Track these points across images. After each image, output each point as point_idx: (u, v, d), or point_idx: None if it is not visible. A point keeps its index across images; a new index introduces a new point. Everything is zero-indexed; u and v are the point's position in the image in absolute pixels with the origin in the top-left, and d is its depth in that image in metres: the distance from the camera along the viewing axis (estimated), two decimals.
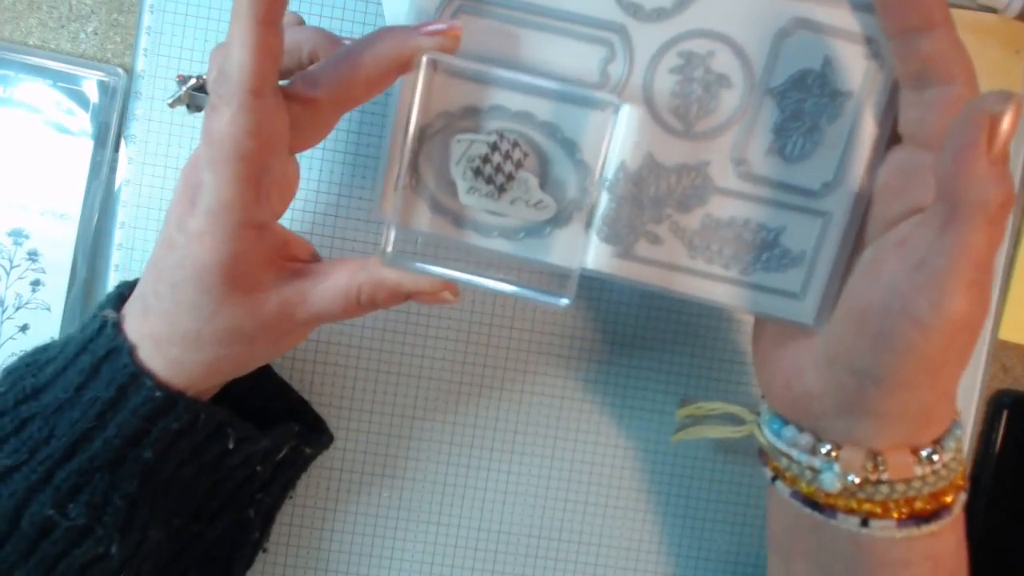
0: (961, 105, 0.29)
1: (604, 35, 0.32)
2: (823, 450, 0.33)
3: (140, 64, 0.43)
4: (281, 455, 0.39)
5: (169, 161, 0.43)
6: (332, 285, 0.33)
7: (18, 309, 0.43)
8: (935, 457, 0.32)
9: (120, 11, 0.43)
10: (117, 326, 0.33)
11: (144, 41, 0.43)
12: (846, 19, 0.31)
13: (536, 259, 0.34)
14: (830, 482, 0.33)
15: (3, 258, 0.42)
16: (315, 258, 0.36)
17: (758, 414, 0.38)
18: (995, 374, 0.48)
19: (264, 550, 0.41)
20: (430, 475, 0.46)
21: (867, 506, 0.32)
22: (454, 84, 0.32)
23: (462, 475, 0.46)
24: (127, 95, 0.43)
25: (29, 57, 0.42)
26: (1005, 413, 0.47)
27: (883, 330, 0.30)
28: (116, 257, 0.43)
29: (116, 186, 0.43)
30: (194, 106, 0.38)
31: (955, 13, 0.45)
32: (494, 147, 0.32)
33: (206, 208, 0.31)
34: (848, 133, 0.32)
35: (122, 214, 0.43)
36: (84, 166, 0.42)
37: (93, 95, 0.42)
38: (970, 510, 0.47)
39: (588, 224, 0.33)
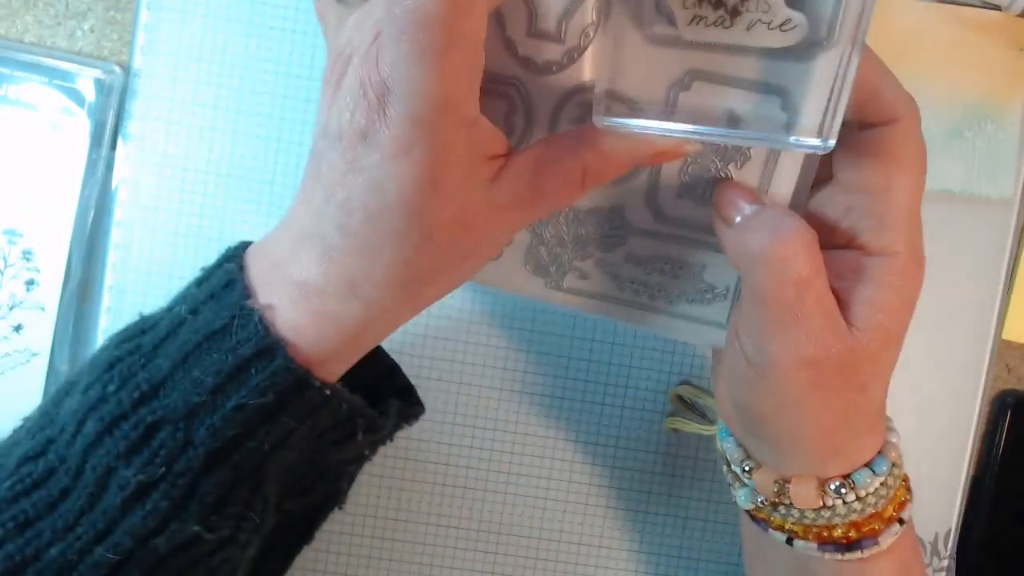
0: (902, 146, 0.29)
1: (503, 89, 0.31)
2: (745, 467, 0.33)
3: (137, 62, 0.42)
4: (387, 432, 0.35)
5: (166, 160, 0.43)
6: (554, 174, 0.28)
7: (12, 309, 0.42)
8: (843, 491, 0.31)
9: (117, 8, 0.43)
10: (263, 318, 0.27)
11: (141, 39, 0.42)
12: (754, 69, 0.28)
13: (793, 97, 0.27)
14: (743, 498, 0.33)
15: None
16: (509, 147, 0.29)
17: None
18: (999, 374, 0.48)
19: (341, 507, 0.38)
20: (429, 475, 0.45)
21: (788, 525, 0.33)
22: None
23: (462, 475, 0.45)
24: (124, 93, 0.43)
25: (25, 55, 0.42)
26: (1008, 413, 0.47)
27: (738, 364, 0.31)
28: (113, 256, 0.43)
29: (113, 185, 0.43)
30: None
31: (959, 11, 0.45)
32: None
33: (412, 113, 0.25)
34: (759, 176, 0.31)
35: (119, 213, 0.43)
36: (80, 164, 0.42)
37: (89, 93, 0.42)
38: (973, 510, 0.47)
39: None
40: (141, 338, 0.29)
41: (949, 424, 0.47)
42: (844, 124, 0.27)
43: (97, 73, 0.42)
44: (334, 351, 0.28)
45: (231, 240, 0.43)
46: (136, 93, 0.42)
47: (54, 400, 0.30)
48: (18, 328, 0.42)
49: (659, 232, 0.33)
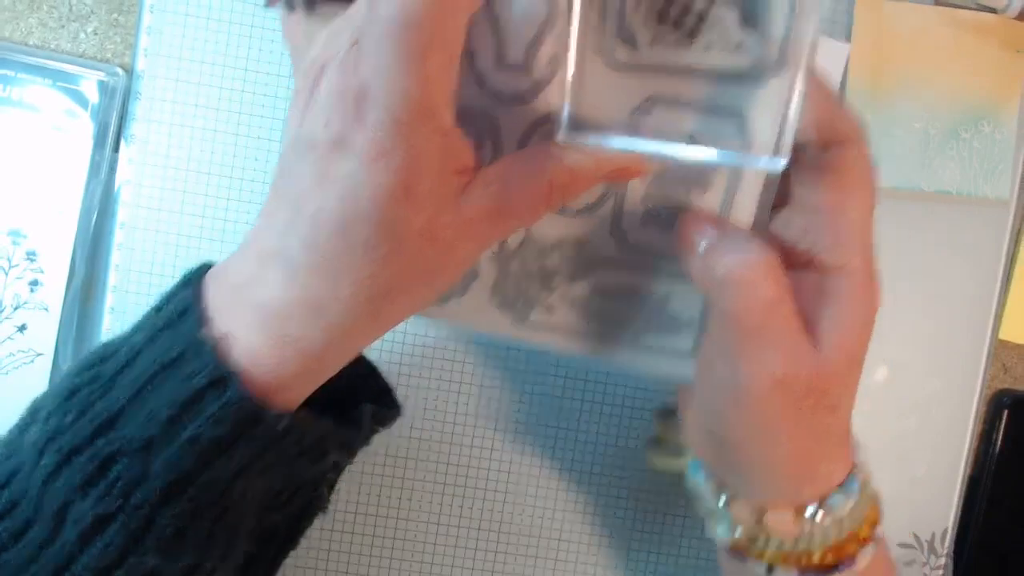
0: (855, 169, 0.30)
1: (471, 121, 0.31)
2: (720, 501, 0.33)
3: (140, 64, 0.43)
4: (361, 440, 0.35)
5: (169, 161, 0.43)
6: (521, 188, 0.28)
7: (16, 309, 0.42)
8: (819, 516, 0.31)
9: (120, 11, 0.43)
10: (217, 347, 0.27)
11: (144, 41, 0.42)
12: (710, 92, 0.29)
13: (742, 116, 0.29)
14: (721, 532, 0.33)
15: (1, 258, 0.42)
16: (478, 163, 0.29)
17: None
18: (996, 374, 0.48)
19: (324, 512, 0.37)
20: (430, 475, 0.45)
21: (768, 555, 0.32)
22: None
23: (462, 475, 0.46)
24: (127, 95, 0.43)
25: (29, 57, 0.42)
26: (1005, 413, 0.47)
27: (710, 393, 0.31)
28: (116, 257, 0.43)
29: (116, 186, 0.43)
30: (297, 0, 0.31)
31: (956, 13, 0.45)
32: None
33: (388, 118, 0.25)
34: (720, 202, 0.31)
35: (122, 214, 0.43)
36: (83, 166, 0.42)
37: (93, 95, 0.42)
38: (970, 509, 0.47)
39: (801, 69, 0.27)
40: (101, 367, 0.28)
41: (946, 423, 0.47)
42: (797, 146, 0.28)
43: (100, 75, 0.42)
44: (297, 376, 0.28)
45: (233, 241, 0.43)
46: (139, 95, 0.43)
47: (20, 426, 0.30)
48: (22, 328, 0.43)
49: (624, 261, 0.33)
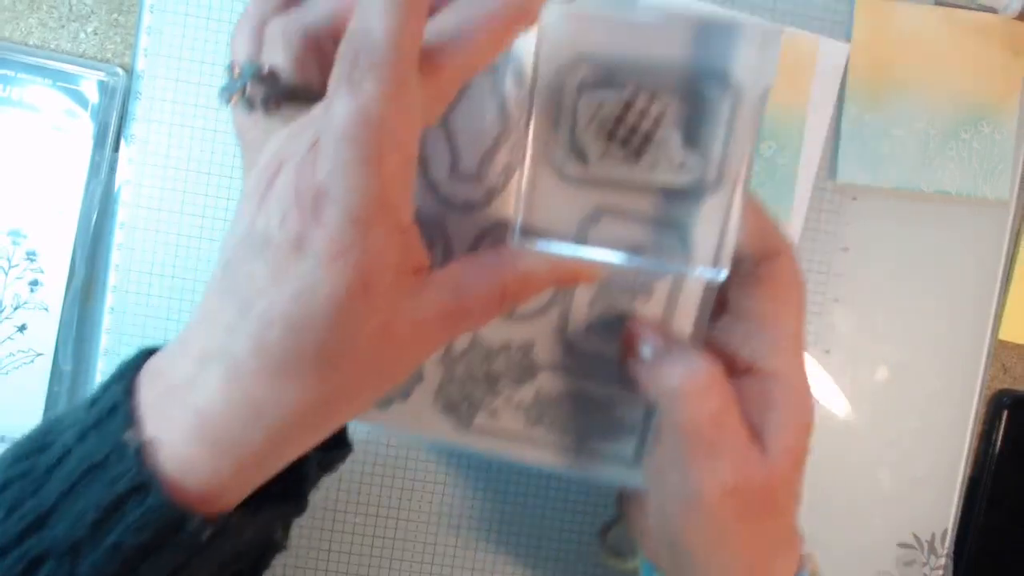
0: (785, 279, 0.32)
1: (423, 228, 0.31)
2: None
3: (140, 64, 0.43)
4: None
5: (169, 161, 0.43)
6: (475, 290, 0.28)
7: (16, 309, 0.42)
8: None
9: (120, 11, 0.43)
10: (141, 451, 0.26)
11: (144, 41, 0.42)
12: (655, 206, 0.30)
13: (686, 233, 0.31)
14: None
15: (1, 258, 0.42)
16: (431, 263, 0.29)
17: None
18: (995, 374, 0.48)
19: (284, 548, 0.38)
20: (430, 475, 0.45)
21: None
22: (581, 34, 0.29)
23: (462, 475, 0.46)
24: (127, 95, 0.43)
25: (29, 57, 0.42)
26: (1005, 413, 0.47)
27: (665, 500, 0.32)
28: (116, 257, 0.43)
29: (116, 186, 0.43)
30: (256, 101, 0.31)
31: (955, 13, 0.45)
32: (628, 104, 0.29)
33: (347, 217, 0.24)
34: (663, 310, 0.33)
35: (122, 214, 0.43)
36: (83, 166, 0.42)
37: (93, 95, 0.42)
38: (970, 509, 0.47)
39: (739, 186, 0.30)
40: (37, 457, 0.27)
41: (946, 423, 0.47)
42: (735, 258, 0.30)
43: (100, 75, 0.42)
44: (233, 480, 0.27)
45: None
46: (139, 95, 0.43)
47: None
48: (22, 328, 0.43)
49: (569, 368, 0.34)
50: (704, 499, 0.30)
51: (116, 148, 0.43)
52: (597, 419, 0.34)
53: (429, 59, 0.26)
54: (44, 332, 0.42)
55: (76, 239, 0.42)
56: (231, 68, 0.31)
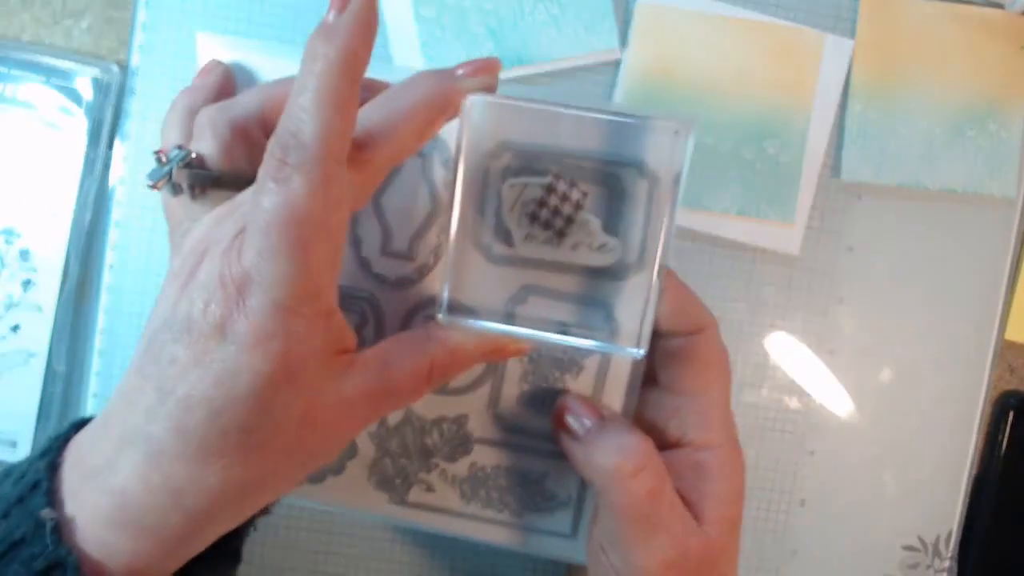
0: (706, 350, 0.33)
1: (356, 303, 0.34)
2: None
3: (135, 60, 0.42)
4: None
5: None
6: (402, 367, 0.29)
7: (9, 309, 0.42)
8: None
9: (114, 7, 0.43)
10: (58, 530, 0.25)
11: (139, 37, 0.42)
12: (578, 285, 0.32)
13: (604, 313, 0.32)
14: None
15: None
16: (356, 344, 0.30)
17: None
18: (1001, 375, 0.48)
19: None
20: None
21: None
22: (503, 123, 0.31)
23: None
24: (121, 92, 0.42)
25: (23, 53, 0.42)
26: (1011, 414, 0.47)
27: None
28: (110, 256, 0.42)
29: (110, 184, 0.42)
30: (182, 186, 0.32)
31: (961, 9, 0.45)
32: (549, 189, 0.31)
33: (271, 303, 0.25)
34: (593, 385, 0.34)
35: (117, 213, 0.42)
36: (77, 164, 0.42)
37: (87, 92, 0.42)
38: (975, 511, 0.47)
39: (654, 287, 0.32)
40: None
41: (951, 424, 0.47)
42: (661, 335, 0.33)
43: (95, 72, 0.42)
44: (155, 561, 0.26)
45: None
46: (134, 92, 0.42)
47: None
48: (15, 328, 0.42)
49: (502, 441, 0.35)
50: (643, 574, 0.31)
51: (111, 145, 0.42)
52: (532, 493, 0.36)
53: (357, 151, 0.27)
54: (38, 332, 0.42)
55: (70, 238, 0.42)
56: (158, 155, 0.32)
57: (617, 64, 0.44)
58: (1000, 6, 0.45)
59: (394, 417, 0.35)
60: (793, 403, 0.46)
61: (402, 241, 0.34)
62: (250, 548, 0.44)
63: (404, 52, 0.42)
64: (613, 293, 0.32)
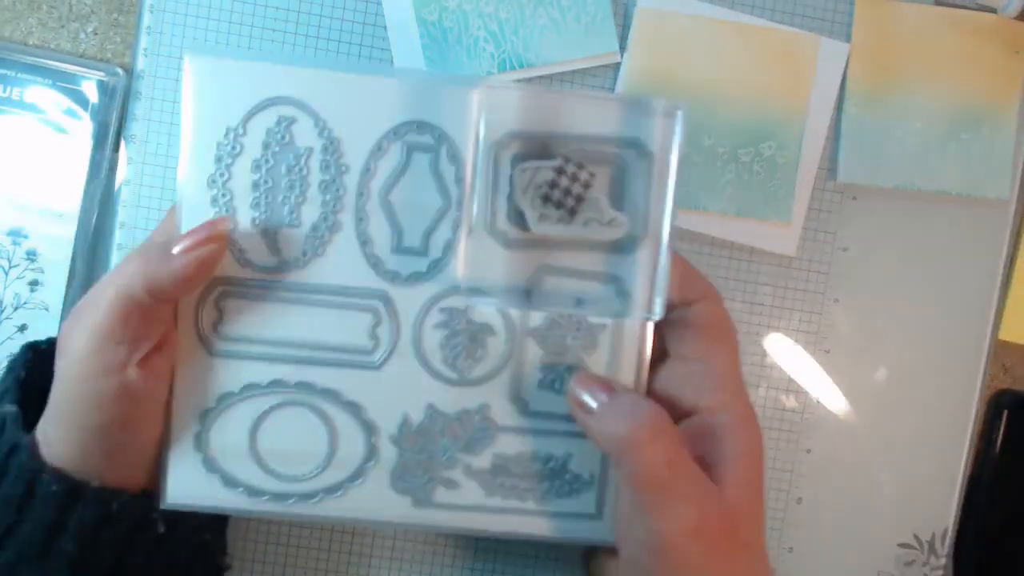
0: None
1: (369, 303, 0.35)
2: None
3: (140, 64, 0.43)
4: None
5: (169, 161, 0.43)
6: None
7: (16, 309, 0.42)
8: None
9: (120, 11, 0.43)
10: (17, 420, 0.33)
11: (144, 41, 0.42)
12: (587, 262, 0.34)
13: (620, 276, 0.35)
14: None
15: (1, 258, 0.42)
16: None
17: None
18: (995, 374, 0.48)
19: (229, 567, 0.41)
20: None
21: None
22: (512, 112, 0.33)
23: None
24: (127, 95, 0.43)
25: (29, 57, 0.42)
26: (1005, 413, 0.47)
27: (634, 552, 0.33)
28: (116, 257, 0.43)
29: (116, 186, 0.43)
30: None
31: (955, 13, 0.45)
32: (560, 171, 0.33)
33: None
34: (607, 361, 0.35)
35: (122, 214, 0.43)
36: (83, 166, 0.42)
37: (93, 95, 0.42)
38: (970, 509, 0.47)
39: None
40: None
41: (946, 424, 0.47)
42: (667, 307, 0.34)
43: (100, 75, 0.42)
44: (85, 452, 0.33)
45: None
46: (139, 95, 0.43)
47: None
48: (22, 328, 0.42)
49: (524, 428, 0.36)
50: (669, 544, 0.31)
51: (116, 148, 0.43)
52: (555, 477, 0.36)
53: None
54: (44, 332, 0.42)
55: (76, 239, 0.42)
56: None
57: (617, 67, 0.44)
58: (993, 10, 0.45)
59: (416, 416, 0.35)
60: (790, 402, 0.46)
61: (413, 238, 0.35)
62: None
63: (406, 55, 0.42)
64: (625, 266, 0.34)
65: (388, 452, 0.35)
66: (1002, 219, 0.47)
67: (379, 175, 0.34)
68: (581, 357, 0.35)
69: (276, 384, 0.34)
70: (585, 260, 0.34)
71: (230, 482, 0.35)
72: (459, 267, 0.34)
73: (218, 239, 0.32)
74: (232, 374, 0.34)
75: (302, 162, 0.34)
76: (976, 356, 0.47)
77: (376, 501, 0.35)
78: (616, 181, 0.34)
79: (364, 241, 0.34)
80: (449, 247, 0.35)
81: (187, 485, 0.34)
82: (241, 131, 0.34)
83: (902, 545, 0.47)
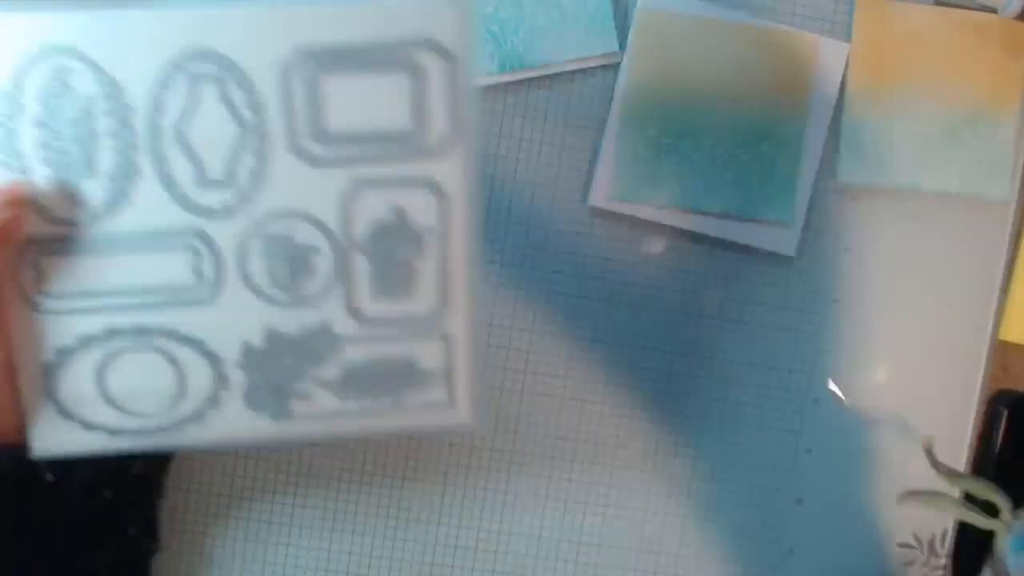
0: None
1: (186, 241, 0.34)
2: None
3: None
4: (135, 470, 0.39)
5: None
6: None
7: None
8: None
9: None
10: None
11: None
12: (401, 170, 0.34)
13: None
14: None
15: None
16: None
17: (1014, 518, 0.37)
18: (995, 374, 0.48)
19: (159, 550, 0.41)
20: (430, 475, 0.45)
21: None
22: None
23: (462, 475, 0.46)
24: None
25: None
26: (1005, 413, 0.47)
27: None
28: None
29: None
30: None
31: (955, 14, 0.45)
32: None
33: None
34: (439, 263, 0.35)
35: None
36: None
37: None
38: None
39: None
40: None
41: (946, 423, 0.47)
42: None
43: None
44: None
45: None
46: None
47: None
48: None
49: (366, 336, 0.36)
50: None
51: None
52: (406, 376, 0.36)
53: None
54: None
55: None
56: None
57: (617, 67, 0.44)
58: (993, 11, 0.45)
59: (257, 342, 0.35)
60: (790, 402, 0.46)
61: (217, 170, 0.34)
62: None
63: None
64: (438, 170, 0.35)
65: (237, 377, 0.35)
66: (1002, 219, 0.47)
67: (168, 112, 0.33)
68: (411, 263, 0.35)
69: (112, 332, 0.34)
70: (398, 168, 0.34)
71: (89, 426, 0.35)
72: (270, 192, 0.34)
73: (16, 204, 0.32)
74: (65, 328, 0.34)
75: (86, 111, 0.33)
76: (976, 356, 0.47)
77: (236, 423, 0.36)
78: (416, 87, 0.33)
79: (167, 181, 0.34)
80: (255, 174, 0.34)
81: (49, 435, 0.35)
82: (17, 91, 0.33)
83: (902, 545, 0.47)
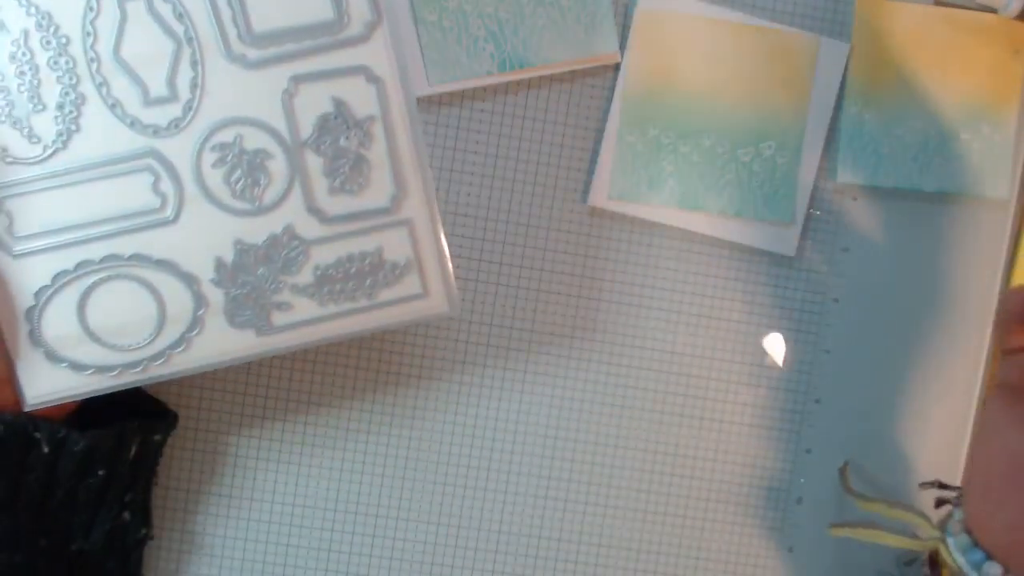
0: None
1: (141, 162, 0.35)
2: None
3: None
4: (132, 452, 0.39)
5: None
6: None
7: None
8: None
9: None
10: None
11: None
12: (332, 61, 0.35)
13: None
14: None
15: None
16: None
17: (941, 529, 0.36)
18: (995, 374, 0.48)
19: (151, 538, 0.41)
20: (430, 475, 0.45)
21: None
22: None
23: (462, 475, 0.46)
24: None
25: None
26: None
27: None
28: None
29: None
30: None
31: (955, 13, 0.45)
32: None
33: None
34: (387, 149, 0.36)
35: None
36: None
37: None
38: None
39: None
40: None
41: (946, 423, 0.47)
42: None
43: None
44: None
45: None
46: None
47: None
48: None
49: (331, 235, 0.36)
50: None
51: None
52: (376, 272, 0.37)
53: None
54: None
55: None
56: None
57: (617, 67, 0.44)
58: (993, 10, 0.45)
59: (228, 255, 0.36)
60: (789, 402, 0.47)
61: (159, 87, 0.35)
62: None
63: (406, 54, 0.42)
64: (371, 53, 0.36)
65: (215, 296, 0.36)
66: (1002, 219, 0.47)
67: (102, 36, 0.34)
68: (360, 153, 0.36)
69: (84, 265, 0.35)
70: (329, 59, 0.35)
71: (78, 367, 0.36)
72: (212, 102, 0.35)
73: None
74: (40, 268, 0.35)
75: (21, 46, 0.34)
76: (976, 356, 0.47)
77: (221, 343, 0.36)
78: None
79: (112, 104, 0.35)
80: (195, 84, 0.35)
81: (40, 382, 0.35)
82: None
83: None
